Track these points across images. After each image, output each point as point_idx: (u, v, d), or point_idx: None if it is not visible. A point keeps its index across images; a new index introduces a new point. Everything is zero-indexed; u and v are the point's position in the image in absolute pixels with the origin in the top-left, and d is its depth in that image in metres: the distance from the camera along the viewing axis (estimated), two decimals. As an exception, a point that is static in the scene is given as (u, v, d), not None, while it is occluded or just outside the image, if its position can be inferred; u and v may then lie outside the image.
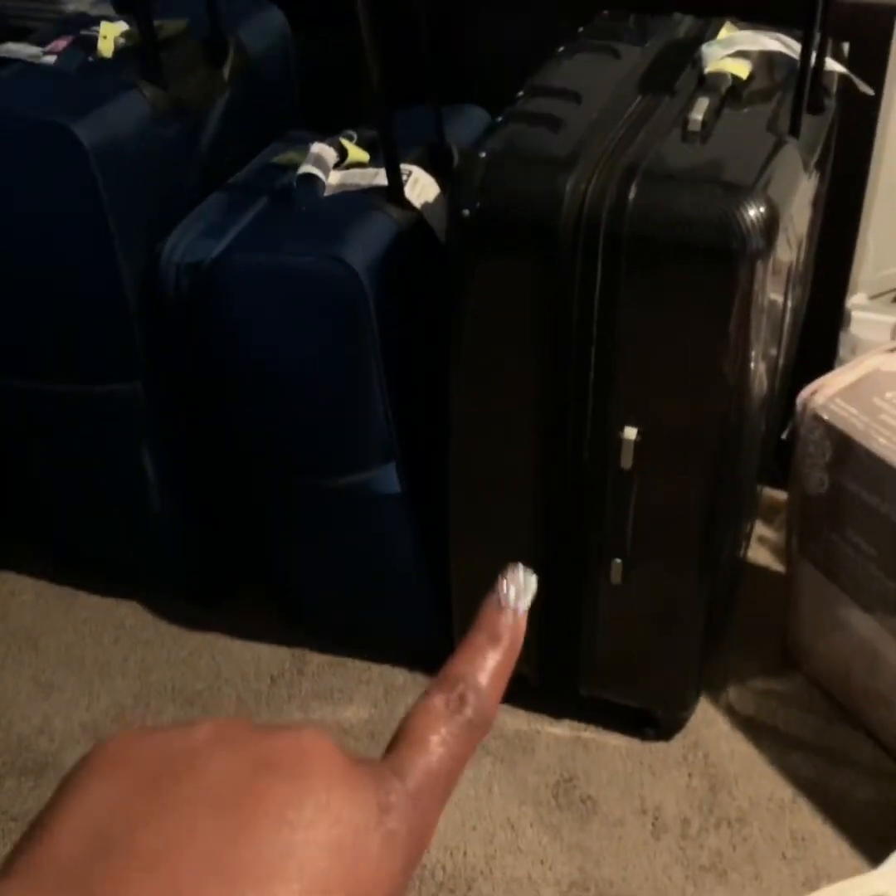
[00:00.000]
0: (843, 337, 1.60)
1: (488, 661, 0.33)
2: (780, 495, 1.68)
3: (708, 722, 1.45)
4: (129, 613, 1.66)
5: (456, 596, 1.38)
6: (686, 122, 1.09)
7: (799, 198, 1.11)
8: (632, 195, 1.02)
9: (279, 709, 1.51)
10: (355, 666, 1.56)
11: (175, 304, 1.28)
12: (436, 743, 0.31)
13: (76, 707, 1.52)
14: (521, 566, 0.36)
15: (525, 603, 0.35)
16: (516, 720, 1.47)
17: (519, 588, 0.35)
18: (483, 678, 0.33)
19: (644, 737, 1.43)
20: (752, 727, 1.45)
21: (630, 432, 1.12)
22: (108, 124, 1.24)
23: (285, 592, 1.59)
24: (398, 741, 0.31)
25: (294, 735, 0.29)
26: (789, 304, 1.23)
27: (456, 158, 1.39)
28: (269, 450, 1.37)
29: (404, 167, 1.27)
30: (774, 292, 1.10)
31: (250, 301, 1.24)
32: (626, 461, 1.14)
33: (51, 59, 1.39)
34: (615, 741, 1.44)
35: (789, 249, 1.11)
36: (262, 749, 0.29)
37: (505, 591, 0.35)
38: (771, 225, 1.00)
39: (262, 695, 1.53)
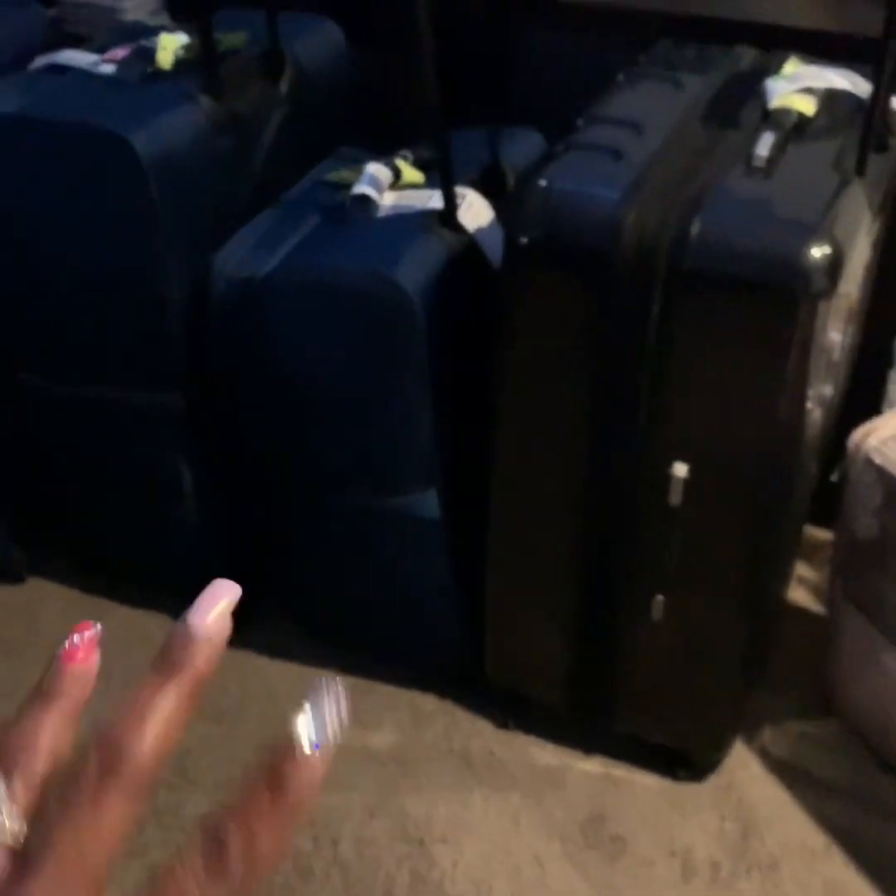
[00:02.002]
0: (891, 375, 1.57)
1: (265, 819, 0.27)
2: (822, 534, 1.66)
3: (742, 764, 1.43)
4: (158, 627, 1.65)
5: (490, 626, 1.36)
6: (750, 157, 1.08)
7: (862, 238, 1.09)
8: (694, 229, 1.00)
9: (306, 729, 1.49)
10: (384, 690, 1.54)
11: (222, 318, 1.27)
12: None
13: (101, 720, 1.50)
14: (329, 684, 0.28)
15: (325, 739, 0.27)
16: (545, 754, 1.45)
17: (320, 717, 0.28)
18: (255, 840, 0.27)
19: (676, 777, 1.41)
20: (787, 771, 1.42)
21: (680, 468, 1.11)
22: (165, 135, 1.24)
23: (316, 612, 1.58)
24: None
25: None
26: (846, 342, 1.21)
27: (510, 182, 1.38)
28: (307, 467, 1.36)
29: (459, 190, 1.26)
30: (833, 332, 1.08)
31: (300, 318, 1.23)
32: (675, 497, 1.12)
33: (109, 67, 1.39)
34: (646, 780, 1.41)
35: (851, 289, 1.10)
36: None
37: (302, 722, 0.28)
38: (835, 265, 0.99)
39: (288, 715, 1.51)
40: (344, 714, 0.28)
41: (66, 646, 0.30)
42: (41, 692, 0.29)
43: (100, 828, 0.27)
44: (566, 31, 1.58)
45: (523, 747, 1.46)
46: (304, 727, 0.27)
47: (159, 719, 0.28)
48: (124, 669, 1.48)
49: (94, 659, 0.30)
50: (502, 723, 1.48)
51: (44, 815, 0.27)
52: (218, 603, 0.30)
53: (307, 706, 0.28)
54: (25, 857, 0.26)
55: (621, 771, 1.42)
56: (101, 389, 1.40)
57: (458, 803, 1.40)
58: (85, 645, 0.30)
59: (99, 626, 0.30)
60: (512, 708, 1.48)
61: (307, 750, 0.27)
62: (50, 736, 0.28)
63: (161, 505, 1.51)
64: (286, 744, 0.28)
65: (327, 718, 0.28)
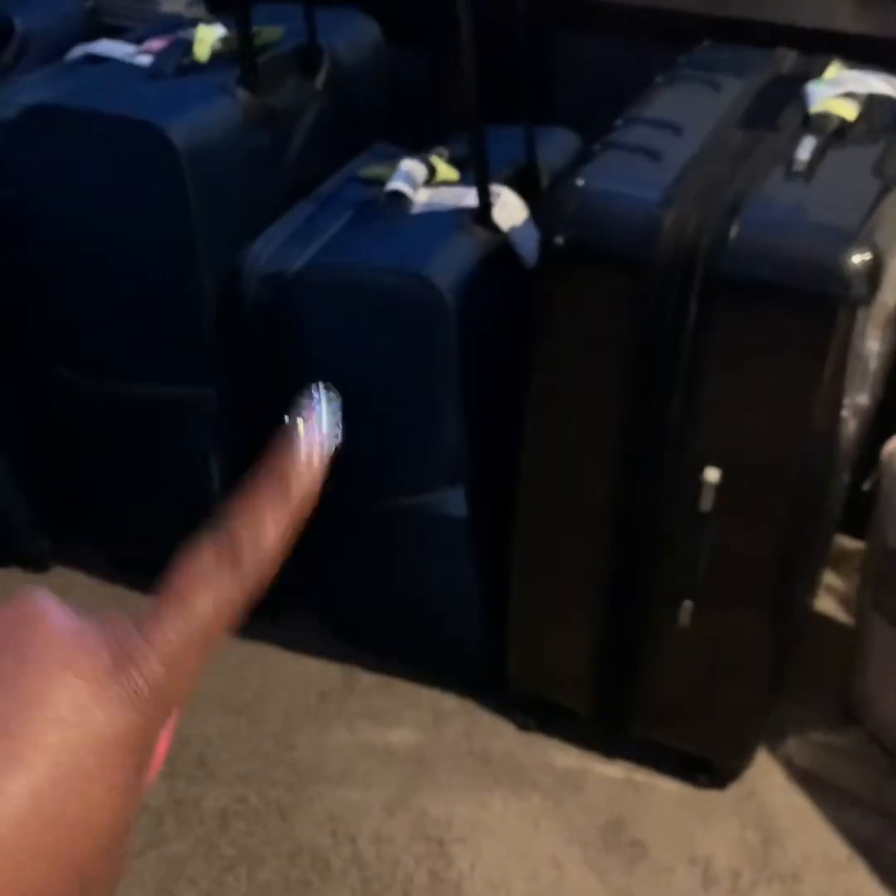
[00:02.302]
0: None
1: (270, 510, 0.29)
2: (851, 543, 1.64)
3: (764, 772, 1.42)
4: (181, 617, 1.65)
5: (514, 626, 1.36)
6: (791, 161, 1.07)
7: (902, 245, 1.07)
8: (733, 233, 0.99)
9: (326, 725, 1.49)
10: (405, 688, 1.54)
11: (254, 313, 1.27)
12: (199, 597, 0.28)
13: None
14: (322, 389, 0.30)
15: (326, 440, 0.30)
16: (567, 757, 1.44)
17: (319, 420, 0.30)
18: (262, 528, 0.29)
19: (697, 783, 1.40)
20: (810, 781, 1.41)
21: (712, 474, 1.10)
22: (201, 127, 1.24)
23: (340, 608, 1.58)
24: (159, 594, 0.28)
25: (11, 604, 0.27)
26: (882, 349, 1.20)
27: (545, 181, 1.37)
28: (335, 464, 1.35)
29: (494, 188, 1.25)
30: (871, 340, 1.07)
31: (331, 314, 1.22)
32: (706, 503, 1.11)
33: (145, 58, 1.40)
34: (667, 785, 1.40)
35: (890, 296, 1.08)
36: None
37: (302, 423, 0.29)
38: (875, 272, 0.98)
39: (310, 710, 1.52)
40: (338, 422, 0.30)
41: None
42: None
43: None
44: (606, 32, 1.57)
45: (544, 749, 1.45)
46: (306, 421, 0.29)
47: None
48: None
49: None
50: (523, 724, 1.48)
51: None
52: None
53: (308, 402, 0.30)
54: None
55: (642, 776, 1.42)
56: (133, 384, 1.40)
57: (477, 804, 1.39)
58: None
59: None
60: (533, 710, 1.47)
61: (308, 442, 0.29)
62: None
63: (189, 499, 1.51)
64: (287, 442, 0.30)
65: (325, 419, 0.29)
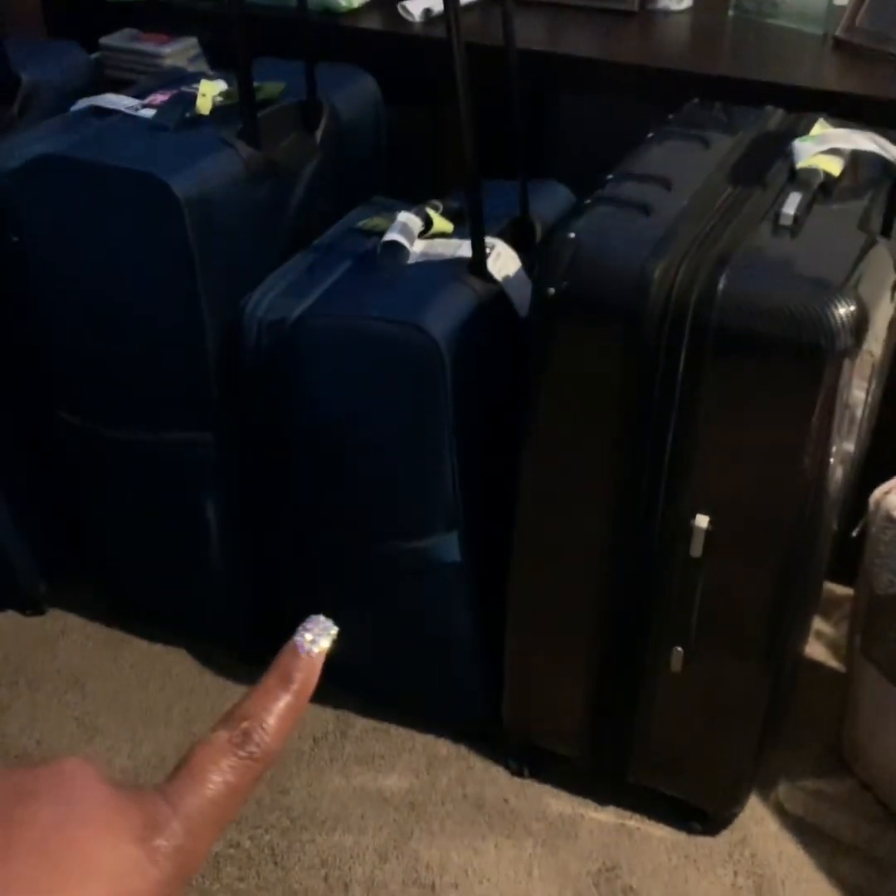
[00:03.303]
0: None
1: (277, 702, 0.35)
2: (840, 590, 1.66)
3: (756, 819, 1.42)
4: (177, 662, 1.66)
5: (509, 671, 1.37)
6: (777, 216, 1.10)
7: (886, 297, 1.10)
8: (721, 286, 1.02)
9: (320, 771, 1.49)
10: (399, 733, 1.54)
11: (254, 360, 1.29)
12: (213, 774, 0.33)
13: (119, 753, 1.51)
14: (320, 617, 0.38)
15: (319, 649, 0.37)
16: (560, 803, 1.44)
17: (316, 634, 0.37)
18: (269, 716, 0.35)
19: (690, 830, 1.40)
20: (802, 829, 1.41)
21: (702, 520, 1.11)
22: (203, 180, 1.27)
23: (334, 654, 1.58)
24: (178, 770, 0.33)
25: (55, 763, 0.31)
26: (868, 399, 1.22)
27: (538, 234, 1.40)
28: (332, 509, 1.37)
29: (488, 240, 1.28)
30: (857, 390, 1.10)
31: (329, 362, 1.25)
32: (696, 549, 1.13)
33: (148, 112, 1.43)
34: (660, 832, 1.41)
35: (874, 347, 1.11)
36: (23, 777, 0.31)
37: (302, 636, 0.37)
38: (860, 324, 1.00)
39: (304, 755, 1.52)
40: (333, 631, 0.37)
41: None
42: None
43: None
44: (598, 91, 1.61)
45: (537, 796, 1.46)
46: (305, 633, 0.37)
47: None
48: (142, 702, 1.51)
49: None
50: (517, 770, 1.48)
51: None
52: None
53: (306, 623, 0.37)
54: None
55: (635, 822, 1.42)
56: (133, 428, 1.42)
57: (470, 850, 1.39)
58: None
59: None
60: (526, 756, 1.47)
61: (307, 650, 0.37)
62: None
63: (187, 545, 1.53)
64: (290, 648, 0.37)
65: (320, 631, 0.37)
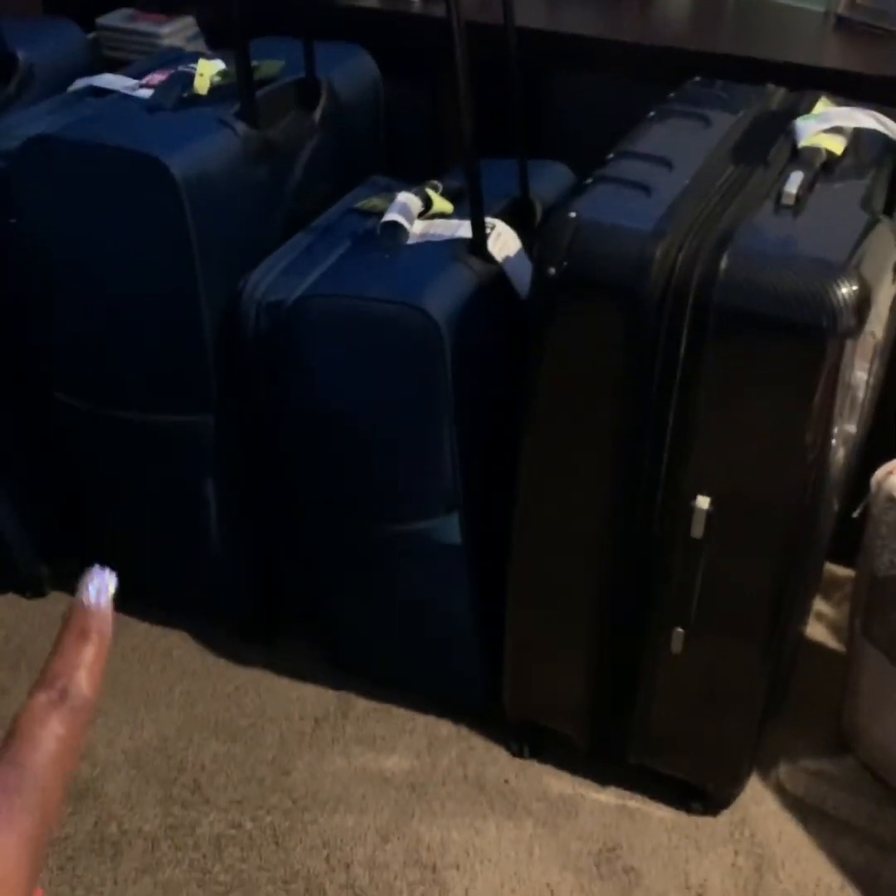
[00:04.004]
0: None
1: (81, 656, 0.40)
2: (840, 571, 1.66)
3: (756, 799, 1.42)
4: (178, 644, 1.66)
5: (509, 653, 1.37)
6: (780, 195, 1.09)
7: (888, 276, 1.09)
8: (723, 265, 1.01)
9: (321, 752, 1.50)
10: (400, 714, 1.54)
11: (253, 341, 1.29)
12: (44, 732, 0.37)
13: (119, 734, 1.51)
14: (97, 568, 0.44)
15: (106, 599, 0.42)
16: (560, 783, 1.45)
17: (99, 586, 0.43)
18: (78, 670, 0.40)
19: (690, 810, 1.41)
20: (802, 808, 1.41)
21: (703, 501, 1.11)
22: (201, 160, 1.26)
23: (336, 634, 1.59)
24: (9, 738, 0.37)
25: None
26: (870, 380, 1.22)
27: (539, 213, 1.39)
28: (332, 491, 1.37)
29: (488, 220, 1.27)
30: (859, 371, 1.09)
31: (328, 343, 1.24)
32: (697, 530, 1.12)
33: (146, 92, 1.42)
34: (661, 812, 1.41)
35: (876, 328, 1.10)
36: None
37: (87, 591, 0.42)
38: (862, 303, 0.99)
39: (306, 736, 1.52)
40: (113, 582, 0.44)
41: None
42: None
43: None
44: (598, 69, 1.60)
45: (538, 776, 1.46)
46: (89, 589, 0.43)
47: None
48: (143, 683, 1.51)
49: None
50: (518, 751, 1.48)
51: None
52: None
53: (88, 576, 0.44)
54: None
55: (636, 803, 1.42)
56: (132, 410, 1.41)
57: (471, 830, 1.40)
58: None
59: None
60: (527, 737, 1.48)
61: (96, 603, 0.42)
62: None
63: (188, 526, 1.53)
64: (79, 605, 0.43)
65: (103, 585, 0.44)
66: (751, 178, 1.14)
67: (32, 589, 1.74)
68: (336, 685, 1.59)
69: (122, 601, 1.51)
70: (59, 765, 0.36)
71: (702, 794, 1.39)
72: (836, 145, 1.18)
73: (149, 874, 1.34)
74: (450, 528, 1.31)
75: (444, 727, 1.53)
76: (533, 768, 1.47)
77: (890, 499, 1.22)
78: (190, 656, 1.64)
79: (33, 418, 1.55)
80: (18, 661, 1.62)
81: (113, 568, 1.50)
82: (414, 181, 1.36)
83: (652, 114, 1.31)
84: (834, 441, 1.08)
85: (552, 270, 1.07)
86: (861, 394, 1.18)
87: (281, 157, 1.37)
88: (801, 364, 1.01)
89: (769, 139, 1.22)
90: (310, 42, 1.41)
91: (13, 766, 0.35)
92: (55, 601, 1.74)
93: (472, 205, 1.23)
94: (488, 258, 1.26)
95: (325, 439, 1.31)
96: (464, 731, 1.53)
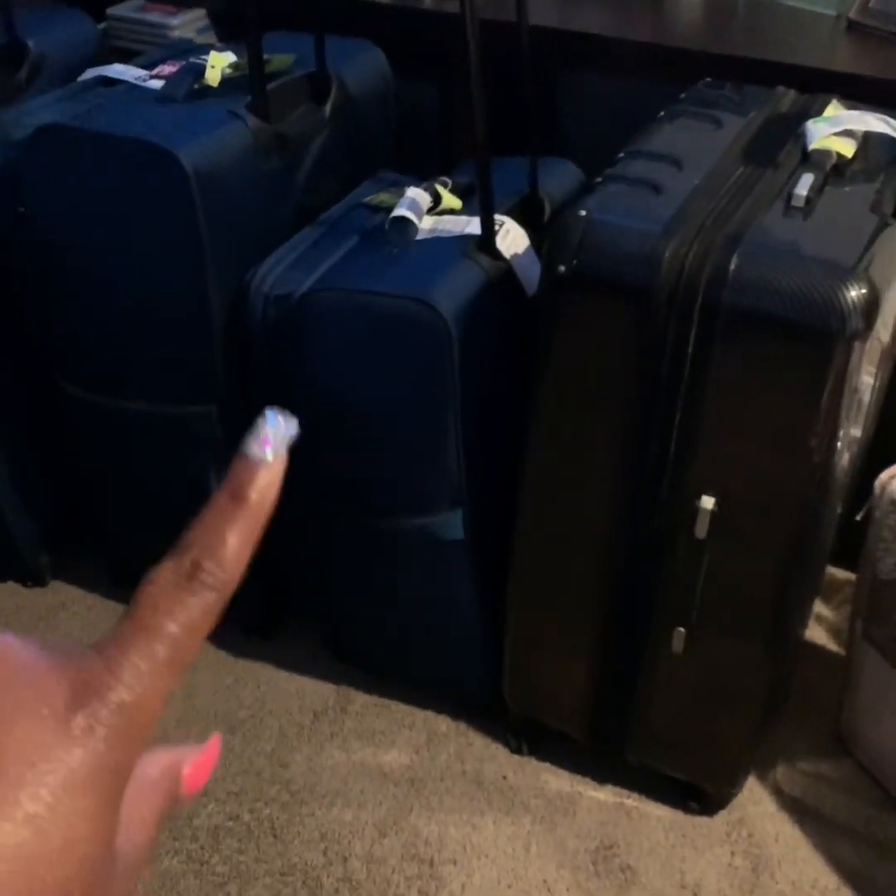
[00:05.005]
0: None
1: (229, 524, 0.30)
2: (840, 574, 1.66)
3: (754, 800, 1.43)
4: (178, 635, 1.66)
5: (510, 649, 1.37)
6: (790, 196, 1.09)
7: (897, 281, 1.10)
8: (732, 266, 1.01)
9: (320, 745, 1.50)
10: (400, 709, 1.55)
11: (260, 334, 1.29)
12: (162, 617, 0.28)
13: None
14: (276, 410, 0.32)
15: (280, 452, 0.31)
16: (559, 780, 1.45)
17: (274, 435, 0.31)
18: (220, 541, 0.30)
19: (688, 810, 1.41)
20: (799, 809, 1.42)
21: (708, 501, 1.11)
22: (211, 151, 1.26)
23: (337, 627, 1.59)
24: (123, 620, 0.29)
25: None
26: (876, 384, 1.22)
27: (547, 211, 1.40)
28: (336, 485, 1.37)
29: (497, 218, 1.27)
30: (866, 374, 1.09)
31: (335, 337, 1.24)
32: (701, 530, 1.12)
33: (156, 83, 1.42)
34: (658, 811, 1.41)
35: (883, 332, 1.10)
36: None
37: (254, 441, 0.31)
38: (871, 306, 0.99)
39: (305, 729, 1.52)
40: (293, 431, 0.31)
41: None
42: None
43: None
44: (609, 68, 1.60)
45: (536, 773, 1.46)
46: (258, 438, 0.31)
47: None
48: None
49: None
50: (516, 748, 1.49)
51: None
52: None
53: (259, 423, 0.31)
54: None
55: (633, 801, 1.42)
56: (137, 400, 1.41)
57: (469, 826, 1.40)
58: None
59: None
60: (526, 733, 1.48)
61: (260, 455, 0.31)
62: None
63: (189, 517, 1.52)
64: (242, 456, 0.31)
65: (278, 432, 0.31)
66: (761, 180, 1.14)
67: (33, 578, 1.74)
68: (335, 679, 1.59)
69: (123, 591, 1.50)
70: (171, 660, 0.28)
71: (699, 794, 1.40)
72: (847, 148, 1.18)
73: (146, 864, 1.34)
74: (454, 524, 1.31)
75: (444, 723, 1.53)
76: (531, 765, 1.47)
77: (893, 502, 1.23)
78: (190, 648, 1.64)
79: (37, 407, 1.55)
80: (18, 649, 1.62)
81: (115, 556, 1.49)
82: (423, 177, 1.36)
83: (662, 114, 1.32)
84: (839, 444, 1.08)
85: (562, 268, 1.07)
86: (867, 397, 1.18)
87: (291, 150, 1.37)
88: (809, 366, 1.01)
89: (780, 141, 1.22)
90: (321, 36, 1.41)
91: (107, 661, 0.27)
92: (55, 591, 1.74)
93: (481, 201, 1.23)
94: (497, 255, 1.26)
95: (331, 433, 1.31)
96: (463, 726, 1.53)
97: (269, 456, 0.31)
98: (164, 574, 0.29)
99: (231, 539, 0.30)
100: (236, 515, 0.30)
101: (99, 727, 0.26)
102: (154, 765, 0.31)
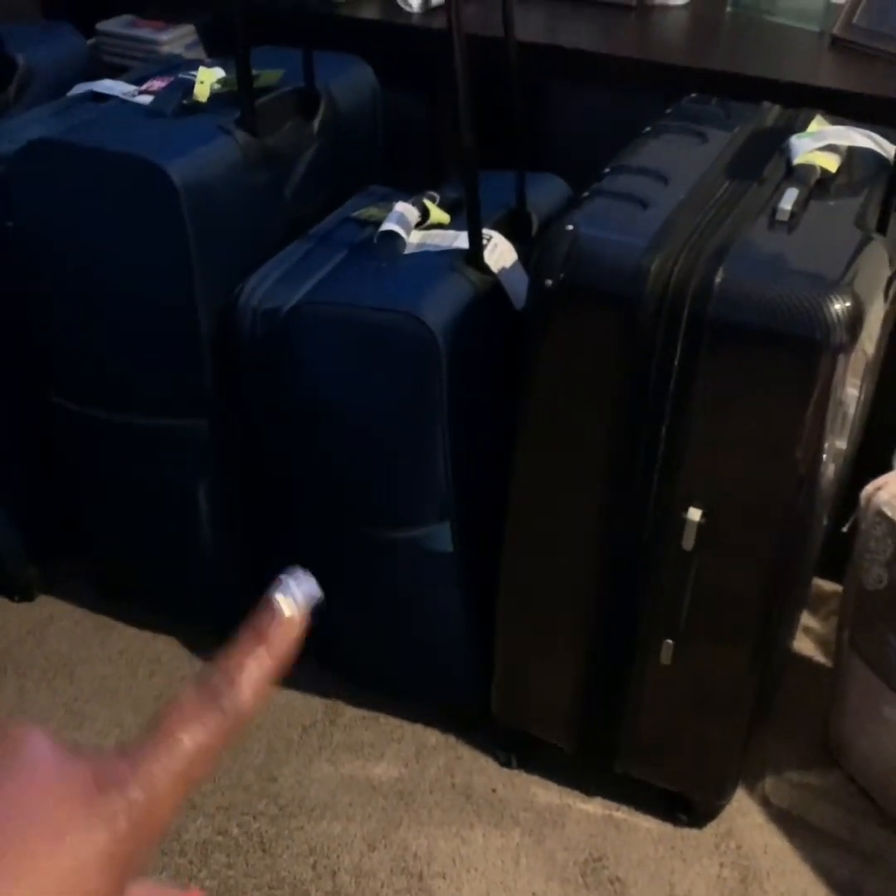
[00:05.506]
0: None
1: (251, 658, 0.35)
2: (827, 585, 1.67)
3: (742, 811, 1.43)
4: (166, 648, 1.66)
5: (498, 661, 1.37)
6: (774, 211, 1.10)
7: (880, 294, 1.11)
8: (718, 279, 1.02)
9: (309, 759, 1.50)
10: (388, 722, 1.55)
11: (248, 347, 1.29)
12: (180, 732, 0.32)
13: (107, 739, 1.51)
14: (299, 570, 0.36)
15: (302, 609, 0.36)
16: (548, 793, 1.45)
17: (301, 593, 0.36)
18: (242, 672, 0.34)
19: (676, 821, 1.41)
20: (788, 821, 1.42)
21: (694, 513, 1.12)
22: (200, 166, 1.27)
23: (325, 641, 1.58)
24: (148, 729, 0.33)
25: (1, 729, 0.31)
26: (860, 396, 1.23)
27: (535, 225, 1.40)
28: (325, 496, 1.37)
29: (485, 232, 1.28)
30: (851, 386, 1.10)
31: (324, 350, 1.25)
32: (688, 542, 1.13)
33: (146, 98, 1.43)
34: (647, 823, 1.42)
35: (868, 345, 1.11)
36: None
37: (277, 591, 0.36)
38: (855, 319, 1.00)
39: (293, 743, 1.52)
40: (315, 591, 0.36)
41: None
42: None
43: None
44: (595, 83, 1.61)
45: (525, 786, 1.46)
46: (281, 590, 0.36)
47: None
48: (131, 689, 1.51)
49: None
50: (505, 760, 1.49)
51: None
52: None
53: (284, 579, 0.36)
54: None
55: (622, 813, 1.43)
56: (127, 413, 1.42)
57: (458, 839, 1.40)
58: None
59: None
60: (515, 746, 1.48)
61: (285, 611, 0.35)
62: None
63: (179, 530, 1.53)
64: (268, 606, 0.36)
65: (302, 589, 0.36)
66: (746, 194, 1.16)
67: (21, 592, 1.74)
68: (324, 693, 1.59)
69: (112, 604, 1.50)
70: (184, 771, 0.32)
71: (688, 806, 1.40)
72: (831, 163, 1.20)
73: (134, 879, 1.33)
74: (442, 536, 1.31)
75: (432, 736, 1.53)
76: (520, 778, 1.47)
77: (879, 514, 1.24)
78: (178, 662, 1.64)
79: (26, 420, 1.55)
80: (5, 664, 1.62)
81: (104, 570, 1.49)
82: (411, 191, 1.37)
83: (648, 129, 1.33)
84: (825, 456, 1.09)
85: (549, 282, 1.08)
86: (852, 410, 1.19)
87: (279, 165, 1.38)
88: (795, 378, 1.02)
89: (764, 156, 1.23)
90: (309, 52, 1.42)
91: (128, 759, 0.31)
92: (43, 605, 1.73)
93: (469, 216, 1.24)
94: (485, 269, 1.27)
95: (319, 445, 1.31)
96: (452, 740, 1.53)
97: (298, 610, 0.36)
98: (189, 695, 0.34)
99: (250, 671, 0.35)
100: (258, 651, 0.35)
101: (120, 814, 0.30)
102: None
